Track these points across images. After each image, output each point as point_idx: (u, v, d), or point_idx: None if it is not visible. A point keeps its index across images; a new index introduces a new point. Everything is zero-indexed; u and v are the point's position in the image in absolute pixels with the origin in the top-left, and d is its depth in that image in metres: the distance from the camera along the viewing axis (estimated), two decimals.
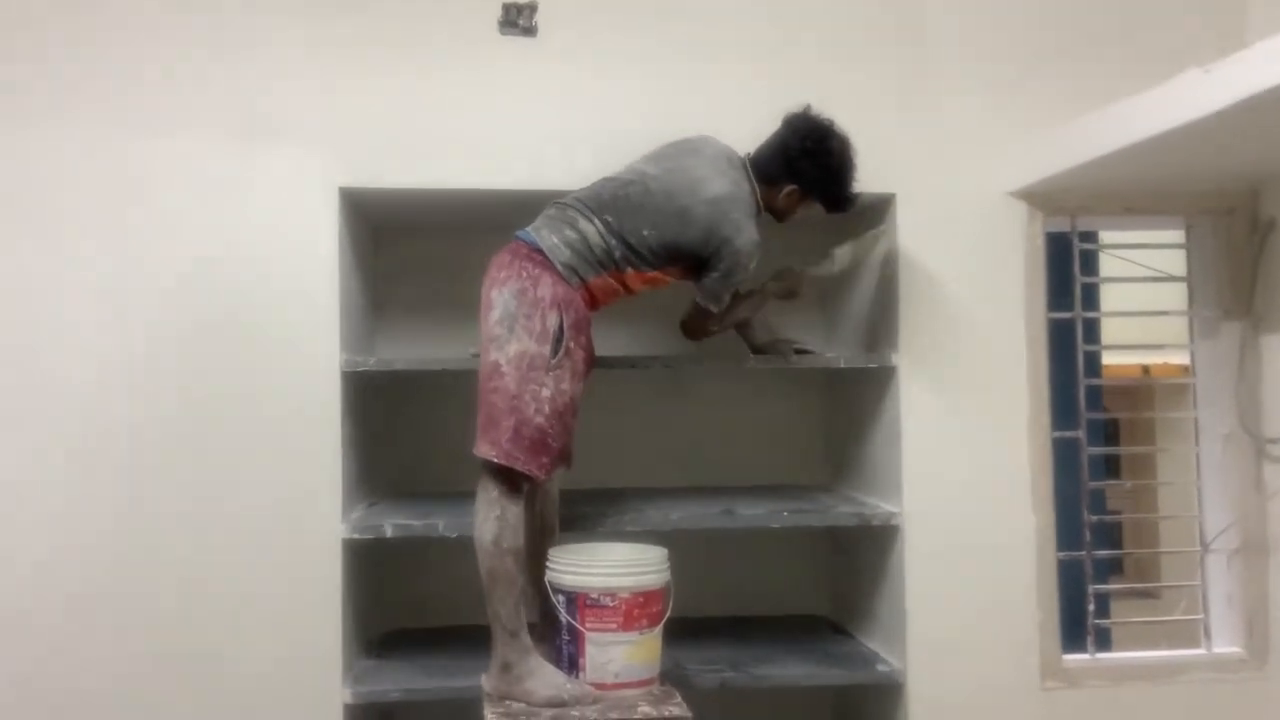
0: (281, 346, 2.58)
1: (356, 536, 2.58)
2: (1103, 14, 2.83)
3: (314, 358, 2.59)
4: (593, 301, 2.42)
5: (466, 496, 2.70)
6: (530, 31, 2.67)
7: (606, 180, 2.48)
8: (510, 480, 2.28)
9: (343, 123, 2.63)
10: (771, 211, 2.55)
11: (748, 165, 2.53)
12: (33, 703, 2.50)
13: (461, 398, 3.02)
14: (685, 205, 2.40)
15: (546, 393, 2.27)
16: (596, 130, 2.68)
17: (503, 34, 2.67)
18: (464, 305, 3.01)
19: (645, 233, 2.39)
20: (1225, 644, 2.87)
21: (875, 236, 2.78)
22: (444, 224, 3.10)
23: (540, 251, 2.35)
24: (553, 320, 2.28)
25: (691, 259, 2.45)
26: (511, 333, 2.28)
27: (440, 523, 2.58)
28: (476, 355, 2.64)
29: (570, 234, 2.37)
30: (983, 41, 2.81)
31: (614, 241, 2.38)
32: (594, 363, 2.44)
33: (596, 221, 2.38)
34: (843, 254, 2.73)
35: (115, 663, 2.52)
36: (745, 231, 2.41)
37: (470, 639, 2.84)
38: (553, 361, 2.27)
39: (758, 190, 2.50)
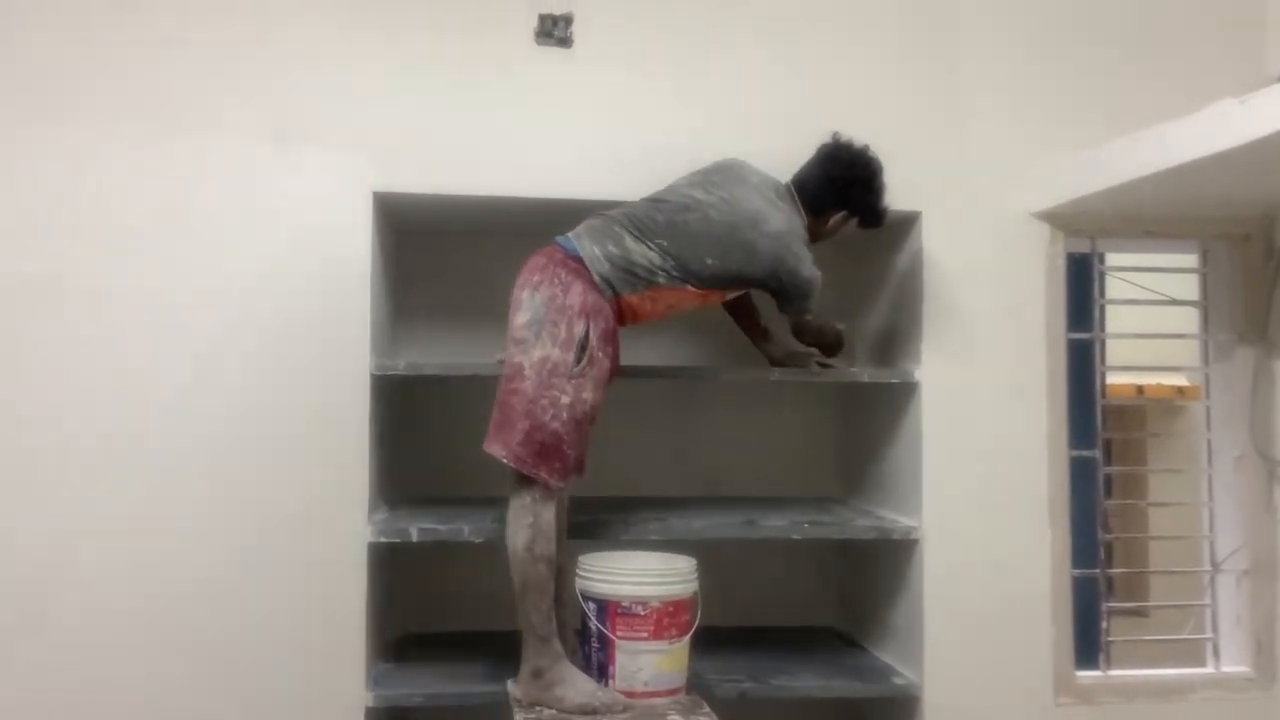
0: (311, 349, 2.58)
1: (383, 540, 2.58)
2: (1128, 40, 2.88)
3: (344, 360, 2.59)
4: (622, 317, 2.43)
5: (483, 502, 2.72)
6: (566, 43, 2.68)
7: (654, 203, 2.49)
8: (544, 486, 2.28)
9: (378, 127, 2.63)
10: (814, 236, 2.60)
11: (794, 194, 2.58)
12: (58, 704, 2.48)
13: (482, 404, 3.03)
14: (749, 239, 2.44)
15: (566, 400, 2.27)
16: (631, 142, 2.70)
17: (539, 44, 2.68)
18: (484, 310, 3.01)
19: (708, 261, 2.42)
20: (1233, 663, 2.92)
21: None
22: (467, 229, 3.11)
23: (578, 259, 2.36)
24: (579, 328, 2.29)
25: (754, 284, 2.55)
26: (538, 338, 2.29)
27: (465, 527, 2.58)
28: (503, 362, 2.66)
29: (613, 249, 2.38)
30: (1010, 64, 2.85)
31: (670, 264, 2.41)
32: (617, 374, 2.45)
33: (649, 245, 2.40)
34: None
35: (140, 663, 2.50)
36: (806, 262, 2.49)
37: (483, 645, 2.85)
38: (575, 369, 2.28)
39: (805, 220, 2.57)
